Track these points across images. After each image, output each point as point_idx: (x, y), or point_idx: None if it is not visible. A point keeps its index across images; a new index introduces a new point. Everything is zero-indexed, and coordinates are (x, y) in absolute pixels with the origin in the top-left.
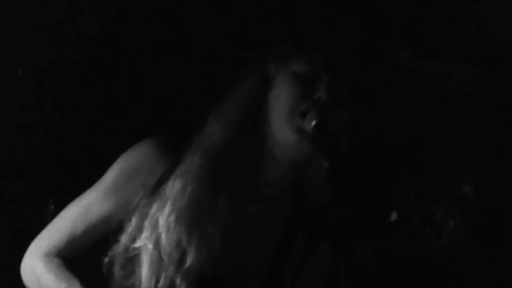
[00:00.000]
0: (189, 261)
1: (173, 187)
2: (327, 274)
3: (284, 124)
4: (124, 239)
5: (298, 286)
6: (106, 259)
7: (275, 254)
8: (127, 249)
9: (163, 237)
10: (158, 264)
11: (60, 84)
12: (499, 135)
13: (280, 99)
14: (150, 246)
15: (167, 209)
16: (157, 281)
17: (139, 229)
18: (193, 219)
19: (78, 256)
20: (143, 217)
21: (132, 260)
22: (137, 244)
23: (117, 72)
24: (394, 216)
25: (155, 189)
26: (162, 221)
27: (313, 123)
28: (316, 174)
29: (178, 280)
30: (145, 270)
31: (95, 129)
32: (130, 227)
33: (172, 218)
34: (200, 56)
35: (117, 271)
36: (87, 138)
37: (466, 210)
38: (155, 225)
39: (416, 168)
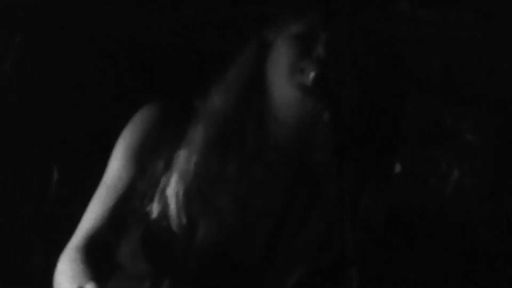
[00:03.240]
0: (200, 231)
1: (179, 157)
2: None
3: (285, 83)
4: (141, 211)
5: (295, 250)
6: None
7: (277, 218)
8: (143, 221)
9: (172, 208)
10: (169, 236)
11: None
12: (501, 82)
13: (280, 61)
14: (160, 218)
15: (174, 180)
16: (169, 253)
17: (151, 201)
18: (200, 189)
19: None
20: (154, 188)
21: (145, 234)
22: (150, 217)
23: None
24: (398, 168)
25: (163, 160)
26: (170, 192)
27: (312, 75)
28: (319, 132)
29: (189, 251)
30: (157, 242)
31: (99, 97)
32: (145, 200)
33: (180, 189)
34: (197, 17)
35: (134, 244)
36: (91, 105)
37: (470, 159)
38: (163, 197)
39: (419, 118)
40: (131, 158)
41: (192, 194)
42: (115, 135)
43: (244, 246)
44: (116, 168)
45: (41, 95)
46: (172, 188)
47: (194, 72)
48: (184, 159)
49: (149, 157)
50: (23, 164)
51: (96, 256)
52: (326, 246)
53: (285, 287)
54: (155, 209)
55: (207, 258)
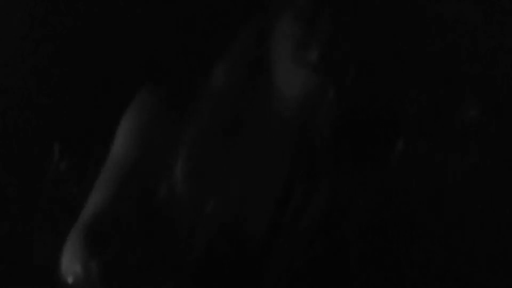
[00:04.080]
0: (208, 210)
1: (185, 137)
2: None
3: (289, 61)
4: (146, 191)
5: (299, 229)
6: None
7: (282, 194)
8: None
9: (181, 188)
10: (178, 214)
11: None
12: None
13: (283, 39)
14: (169, 198)
15: (181, 160)
16: (178, 231)
17: (158, 182)
18: (208, 168)
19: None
20: (160, 168)
21: (154, 213)
22: (157, 196)
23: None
24: (400, 145)
25: (169, 140)
26: (178, 173)
27: (316, 52)
28: (323, 109)
29: (199, 229)
30: (166, 222)
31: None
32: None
33: (188, 169)
34: None
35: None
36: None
37: (475, 134)
38: (172, 178)
39: (423, 93)
40: (136, 137)
41: (200, 174)
42: (118, 112)
43: (252, 223)
44: (121, 147)
45: (43, 69)
46: (180, 169)
47: (194, 49)
48: (190, 139)
49: (154, 137)
50: (23, 142)
51: (101, 236)
52: (328, 226)
53: (290, 267)
54: (163, 190)
55: (214, 236)
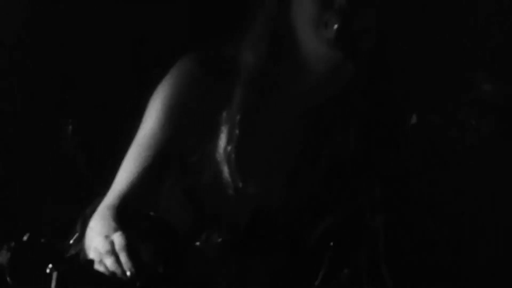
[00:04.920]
0: (251, 190)
1: (223, 118)
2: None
3: (310, 37)
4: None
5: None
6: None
7: (315, 167)
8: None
9: (225, 170)
10: (220, 197)
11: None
12: None
13: (303, 15)
14: (211, 180)
15: (222, 142)
16: (221, 214)
17: (196, 164)
18: (250, 148)
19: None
20: (199, 151)
21: (193, 195)
22: (198, 179)
23: None
24: (414, 119)
25: (205, 121)
26: (220, 155)
27: (335, 27)
28: (346, 82)
29: (241, 210)
30: (207, 204)
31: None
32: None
33: (231, 151)
34: None
35: (179, 208)
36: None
37: (487, 109)
38: (213, 160)
39: (435, 67)
40: (168, 117)
41: (243, 155)
42: (142, 89)
43: (289, 198)
44: (151, 126)
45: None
46: (222, 151)
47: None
48: (228, 120)
49: (189, 117)
50: (41, 120)
51: (128, 216)
52: (353, 197)
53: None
54: (206, 174)
55: (254, 215)
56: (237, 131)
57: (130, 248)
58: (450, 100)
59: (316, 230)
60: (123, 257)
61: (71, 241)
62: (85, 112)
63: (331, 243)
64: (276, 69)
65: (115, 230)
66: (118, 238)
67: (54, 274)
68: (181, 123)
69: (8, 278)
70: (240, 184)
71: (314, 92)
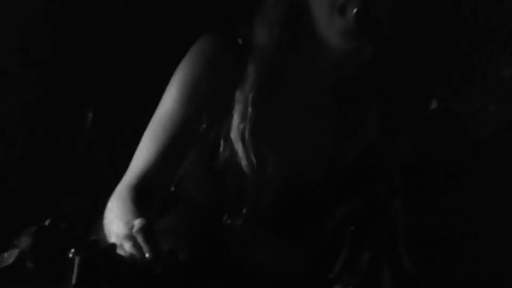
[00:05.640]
0: (270, 169)
1: (237, 97)
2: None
3: (328, 26)
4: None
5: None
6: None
7: (333, 147)
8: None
9: (240, 150)
10: (239, 178)
11: None
12: None
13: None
14: (228, 160)
15: (236, 122)
16: (242, 195)
17: (214, 144)
18: (264, 127)
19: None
20: (216, 130)
21: (210, 178)
22: (215, 160)
23: None
24: (434, 104)
25: (222, 100)
26: (234, 135)
27: (354, 11)
28: (364, 63)
29: (262, 191)
30: (228, 183)
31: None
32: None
33: (244, 130)
34: None
35: (196, 190)
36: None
37: (507, 94)
38: (229, 140)
39: (455, 52)
40: (187, 95)
41: (257, 134)
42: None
43: (310, 178)
44: (171, 104)
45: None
46: (236, 130)
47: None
48: (242, 99)
49: (207, 95)
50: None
51: (147, 195)
52: (376, 178)
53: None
54: (221, 154)
55: (277, 193)
56: (250, 110)
57: (148, 232)
58: (470, 85)
59: (336, 214)
60: (141, 241)
61: (92, 227)
62: (104, 97)
63: (351, 227)
64: (292, 48)
65: (134, 213)
66: (138, 223)
67: (77, 259)
68: (199, 101)
69: (29, 263)
70: (255, 163)
71: (332, 71)
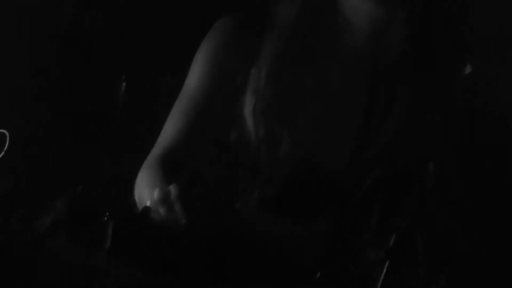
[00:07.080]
0: (284, 148)
1: (252, 74)
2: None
3: None
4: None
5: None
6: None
7: (355, 124)
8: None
9: (250, 127)
10: (253, 157)
11: None
12: None
13: None
14: (241, 136)
15: (248, 98)
16: (255, 174)
17: (229, 122)
18: (277, 105)
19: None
20: (231, 109)
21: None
22: (231, 128)
23: None
24: (469, 69)
25: (239, 76)
26: (247, 112)
27: None
28: (393, 32)
29: (276, 170)
30: (241, 160)
31: None
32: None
33: (256, 107)
34: None
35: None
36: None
37: None
38: (242, 117)
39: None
40: (210, 71)
41: (269, 112)
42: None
43: (328, 157)
44: (196, 79)
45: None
46: (248, 107)
47: None
48: (256, 76)
49: (229, 70)
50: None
51: (176, 167)
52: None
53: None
54: (234, 130)
55: (291, 171)
56: (263, 86)
57: (185, 197)
58: (503, 50)
59: (364, 183)
60: (177, 206)
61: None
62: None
63: (381, 195)
64: (313, 24)
65: (164, 179)
66: (173, 188)
67: (111, 223)
68: (222, 76)
69: (63, 230)
70: (265, 142)
71: (357, 47)
